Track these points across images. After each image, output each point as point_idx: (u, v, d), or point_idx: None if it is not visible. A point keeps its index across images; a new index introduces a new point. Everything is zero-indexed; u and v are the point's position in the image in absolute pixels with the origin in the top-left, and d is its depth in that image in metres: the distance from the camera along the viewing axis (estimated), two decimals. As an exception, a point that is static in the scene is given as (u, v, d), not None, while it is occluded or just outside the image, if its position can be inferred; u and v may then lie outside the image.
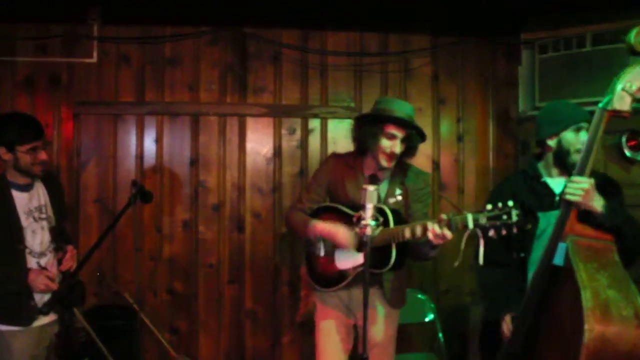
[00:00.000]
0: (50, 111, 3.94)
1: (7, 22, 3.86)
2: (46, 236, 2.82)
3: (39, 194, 2.85)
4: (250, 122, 4.06)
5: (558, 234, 2.35)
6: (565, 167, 2.56)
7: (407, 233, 2.52)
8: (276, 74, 4.09)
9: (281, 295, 4.05)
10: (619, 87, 2.30)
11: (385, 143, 2.72)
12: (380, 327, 2.88)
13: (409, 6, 3.71)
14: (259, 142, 4.07)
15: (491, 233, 2.28)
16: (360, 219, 2.18)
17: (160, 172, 3.99)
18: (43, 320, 2.73)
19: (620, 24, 3.48)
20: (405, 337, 3.15)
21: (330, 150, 4.06)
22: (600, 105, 2.35)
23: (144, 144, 3.99)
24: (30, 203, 2.79)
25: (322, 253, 2.86)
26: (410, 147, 2.81)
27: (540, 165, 2.68)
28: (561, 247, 2.34)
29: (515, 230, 2.26)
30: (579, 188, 2.30)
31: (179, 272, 4.00)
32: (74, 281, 2.54)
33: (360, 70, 4.14)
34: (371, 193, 2.16)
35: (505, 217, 2.25)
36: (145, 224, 3.96)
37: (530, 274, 2.53)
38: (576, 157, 2.49)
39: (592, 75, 3.67)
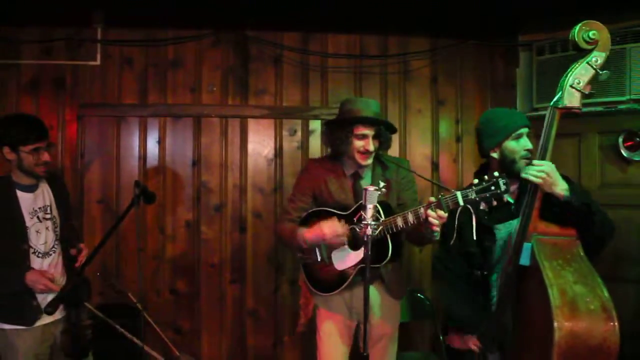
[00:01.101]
0: (54, 113, 3.98)
1: (12, 25, 3.91)
2: (50, 236, 2.86)
3: (44, 195, 2.89)
4: (252, 124, 4.11)
5: (523, 230, 2.35)
6: (514, 176, 2.51)
7: (400, 222, 2.55)
8: (277, 76, 4.13)
9: (282, 294, 4.09)
10: (567, 84, 2.31)
11: (358, 143, 2.77)
12: (384, 320, 2.92)
13: (408, 9, 3.74)
14: (261, 143, 4.11)
15: (482, 206, 2.31)
16: (361, 219, 2.22)
17: (162, 173, 4.03)
18: (46, 319, 2.77)
19: (615, 26, 3.51)
20: (405, 336, 3.18)
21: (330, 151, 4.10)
22: (550, 104, 2.35)
23: (146, 145, 4.04)
24: (35, 203, 2.83)
25: (319, 258, 2.87)
26: (383, 141, 2.85)
27: None
28: (526, 247, 2.33)
29: (504, 199, 2.28)
30: (540, 170, 2.30)
31: (181, 271, 4.04)
32: (78, 280, 2.56)
33: (360, 72, 4.18)
34: (372, 193, 2.19)
35: (493, 187, 2.28)
36: (148, 224, 4.00)
37: (495, 284, 2.55)
38: (522, 164, 2.49)
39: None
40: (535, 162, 2.34)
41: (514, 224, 2.45)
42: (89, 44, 3.99)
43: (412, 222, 2.52)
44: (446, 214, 2.40)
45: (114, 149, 4.01)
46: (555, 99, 2.34)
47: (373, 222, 2.18)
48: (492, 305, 2.53)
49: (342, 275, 2.82)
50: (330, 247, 2.81)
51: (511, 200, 2.56)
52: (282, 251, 4.07)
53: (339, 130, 2.81)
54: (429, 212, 2.41)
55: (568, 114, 2.33)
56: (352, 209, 2.78)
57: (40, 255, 2.81)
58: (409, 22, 4.05)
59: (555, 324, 2.09)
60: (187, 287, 4.04)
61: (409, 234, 2.75)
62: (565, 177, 2.42)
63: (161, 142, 4.04)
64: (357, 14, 3.88)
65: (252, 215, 4.09)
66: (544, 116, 2.37)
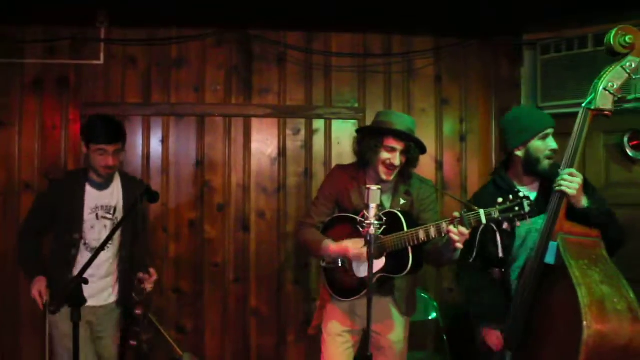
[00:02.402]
0: (58, 112, 3.99)
1: (16, 24, 3.92)
2: (104, 235, 2.96)
3: (113, 196, 3.04)
4: (255, 123, 4.10)
5: (549, 231, 2.37)
6: (536, 174, 2.56)
7: (422, 234, 2.53)
8: (281, 75, 4.13)
9: (286, 294, 4.09)
10: (601, 86, 2.34)
11: (384, 155, 2.76)
12: (394, 334, 2.91)
13: (412, 8, 3.74)
14: (264, 142, 4.11)
15: (505, 226, 2.32)
16: (364, 218, 2.22)
17: (166, 172, 4.03)
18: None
19: (619, 25, 3.50)
20: (409, 335, 3.19)
21: (334, 150, 4.11)
22: (583, 104, 2.38)
23: (150, 144, 4.04)
24: (99, 201, 2.99)
25: (340, 264, 2.87)
26: (410, 158, 2.83)
27: (510, 175, 2.69)
28: (552, 245, 2.36)
29: (528, 220, 2.29)
30: (575, 182, 2.33)
31: (185, 271, 4.04)
32: (81, 280, 2.56)
33: (364, 71, 4.17)
34: (374, 192, 2.20)
35: (517, 208, 2.28)
36: (151, 223, 4.00)
37: (514, 284, 2.56)
38: (546, 163, 2.52)
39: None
40: (570, 171, 2.36)
41: (536, 222, 2.46)
42: (92, 43, 3.99)
43: (433, 236, 2.51)
44: (468, 232, 2.38)
45: (117, 148, 4.01)
46: (587, 100, 2.37)
47: (376, 222, 2.19)
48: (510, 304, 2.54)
49: (362, 282, 2.79)
50: None
51: (532, 198, 2.56)
52: (286, 251, 4.08)
53: (369, 138, 2.80)
54: (451, 227, 2.39)
55: (598, 115, 2.37)
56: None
57: (90, 249, 2.94)
58: (413, 21, 4.04)
59: (584, 323, 2.12)
60: (190, 287, 4.04)
61: (428, 253, 2.72)
62: (585, 181, 2.44)
63: (164, 141, 4.04)
64: (360, 13, 3.87)
65: (255, 215, 4.09)
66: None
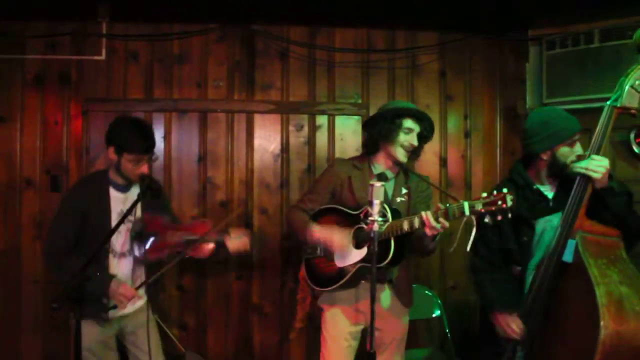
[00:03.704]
0: (59, 108, 3.96)
1: (17, 20, 3.89)
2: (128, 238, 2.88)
3: (133, 198, 2.86)
4: (258, 119, 4.08)
5: (569, 228, 2.35)
6: (561, 177, 2.55)
7: (406, 225, 2.56)
8: (284, 71, 4.10)
9: (289, 290, 4.06)
10: (627, 84, 2.32)
11: (403, 137, 2.82)
12: (393, 326, 2.90)
13: (416, 3, 3.71)
14: (267, 138, 4.08)
15: (487, 219, 2.33)
16: (367, 215, 2.20)
17: (168, 168, 4.00)
18: (114, 313, 2.83)
19: (628, 20, 3.47)
20: (412, 332, 3.17)
21: (337, 146, 4.08)
22: (608, 102, 2.36)
23: (152, 140, 4.01)
24: (124, 204, 2.86)
25: (321, 253, 2.89)
26: (420, 145, 2.91)
27: (530, 173, 2.66)
28: (570, 243, 2.34)
29: (509, 215, 2.30)
30: (601, 165, 2.31)
31: (187, 268, 4.02)
32: (83, 277, 2.54)
33: (367, 66, 4.14)
34: (378, 189, 2.19)
35: (500, 202, 2.29)
36: (153, 220, 3.98)
37: (529, 281, 2.54)
38: (574, 166, 2.48)
39: (600, 71, 3.66)
40: (594, 156, 2.35)
41: (552, 220, 2.45)
42: (94, 38, 3.96)
43: (417, 227, 2.52)
44: (447, 224, 2.43)
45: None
46: (613, 97, 2.36)
47: (380, 219, 2.17)
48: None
49: (341, 271, 2.82)
50: None
51: (549, 196, 2.56)
52: (289, 248, 4.05)
53: (384, 122, 2.84)
54: (429, 217, 2.44)
55: (623, 113, 2.36)
56: (362, 208, 2.76)
57: (116, 255, 2.85)
58: (417, 16, 4.01)
59: (602, 323, 2.11)
60: (193, 284, 4.02)
61: (412, 242, 2.75)
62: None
63: (167, 137, 4.02)
64: (364, 8, 3.84)
65: (258, 211, 4.06)
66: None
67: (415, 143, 2.84)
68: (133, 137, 2.76)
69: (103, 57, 3.98)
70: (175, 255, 2.80)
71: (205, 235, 2.82)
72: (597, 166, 2.33)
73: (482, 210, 2.32)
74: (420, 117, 2.87)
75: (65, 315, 2.80)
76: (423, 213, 2.46)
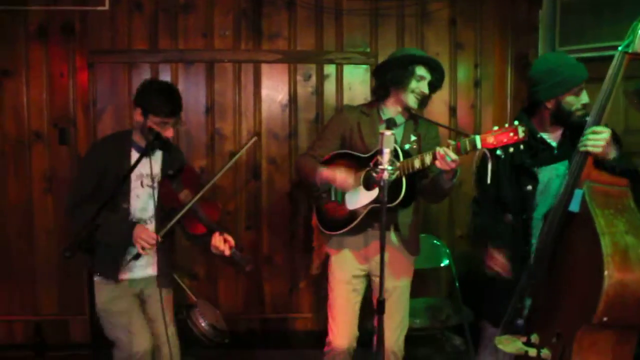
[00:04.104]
0: (64, 61, 3.93)
1: (19, -30, 3.81)
2: (150, 205, 2.85)
3: (156, 163, 2.87)
4: (265, 69, 4.02)
5: (574, 182, 2.33)
6: (566, 125, 2.51)
7: (417, 163, 2.56)
8: (291, 20, 4.02)
9: (298, 240, 4.10)
10: None
11: (414, 84, 2.80)
12: (397, 273, 2.92)
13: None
14: (274, 88, 4.04)
15: (499, 151, 2.31)
16: (377, 163, 2.18)
17: (175, 119, 3.98)
18: (131, 275, 2.86)
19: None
20: (420, 282, 3.20)
21: (346, 96, 4.04)
22: (620, 48, 2.29)
23: (158, 92, 3.98)
24: (144, 168, 2.82)
25: (333, 197, 2.90)
26: (430, 93, 2.88)
27: (534, 122, 2.61)
28: (577, 193, 2.33)
29: (521, 146, 2.28)
30: (600, 139, 2.27)
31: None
32: (93, 226, 2.56)
33: (376, 15, 4.05)
34: (388, 137, 2.16)
35: (512, 134, 2.27)
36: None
37: (535, 231, 2.53)
38: (578, 116, 2.46)
39: (616, 18, 3.56)
40: (594, 129, 2.29)
41: (558, 168, 2.43)
42: (97, -13, 3.89)
43: (428, 164, 2.52)
44: (457, 157, 2.40)
45: (125, 96, 3.95)
46: (625, 43, 2.28)
47: (390, 167, 2.15)
48: (531, 252, 2.52)
49: (352, 214, 2.82)
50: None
51: (554, 144, 2.53)
52: (298, 197, 4.06)
53: (397, 68, 2.82)
54: (442, 151, 2.41)
55: (636, 59, 2.28)
56: (373, 151, 2.75)
57: (134, 219, 2.83)
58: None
59: (606, 272, 2.10)
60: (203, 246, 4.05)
61: (425, 187, 2.76)
62: (615, 135, 2.38)
63: (173, 88, 3.98)
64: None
65: (266, 162, 4.06)
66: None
67: (426, 91, 2.83)
68: (159, 100, 2.74)
69: (106, 7, 3.91)
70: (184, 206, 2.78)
71: (211, 223, 2.80)
72: (596, 140, 2.28)
73: (494, 143, 2.31)
74: (434, 66, 2.86)
75: (78, 266, 2.82)
76: (437, 148, 2.45)
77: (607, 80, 2.31)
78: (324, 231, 2.96)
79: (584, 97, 2.48)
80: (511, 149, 2.29)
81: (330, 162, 2.91)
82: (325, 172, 2.81)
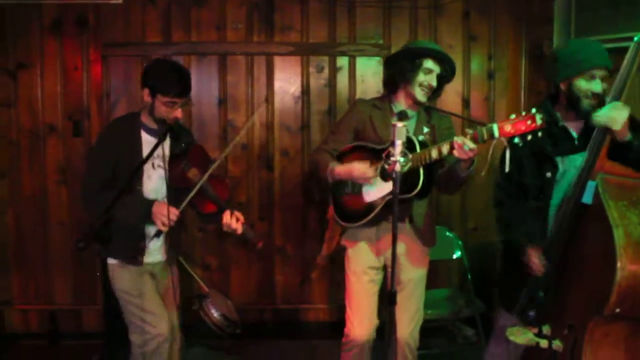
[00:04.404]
0: (78, 54, 3.96)
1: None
2: (161, 186, 2.81)
3: (166, 144, 2.81)
4: (278, 61, 4.03)
5: (589, 169, 2.32)
6: (577, 112, 2.46)
7: (434, 153, 2.54)
8: (303, 12, 4.01)
9: (310, 231, 4.11)
10: None
11: (422, 77, 2.79)
12: (412, 265, 2.92)
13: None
14: (287, 80, 4.04)
15: (517, 140, 2.29)
16: (389, 155, 2.18)
17: (188, 111, 3.98)
18: (147, 258, 2.85)
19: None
20: (432, 273, 3.20)
21: (358, 88, 4.03)
22: (635, 38, 2.27)
23: (172, 84, 4.00)
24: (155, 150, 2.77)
25: (350, 190, 2.89)
26: (440, 85, 2.86)
27: (557, 109, 2.57)
28: (590, 185, 2.31)
29: (539, 133, 2.25)
30: (621, 116, 2.25)
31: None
32: (107, 217, 2.58)
33: (389, 6, 4.03)
34: (400, 129, 2.15)
35: (529, 122, 2.25)
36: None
37: (551, 219, 2.52)
38: (587, 103, 2.41)
39: (633, 9, 3.51)
40: (615, 104, 2.27)
41: (576, 159, 2.41)
42: (111, -19, 3.91)
43: (445, 153, 2.51)
44: (475, 145, 2.37)
45: (139, 89, 3.90)
46: None
47: (402, 159, 2.15)
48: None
49: (370, 206, 2.82)
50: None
51: (574, 135, 2.51)
52: (310, 189, 4.07)
53: (405, 61, 2.81)
54: (460, 140, 2.39)
55: None
56: (388, 143, 2.74)
57: None
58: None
59: (619, 264, 2.10)
60: (215, 225, 4.07)
61: (440, 177, 2.74)
62: (632, 118, 2.34)
63: (186, 81, 3.99)
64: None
65: (279, 154, 4.07)
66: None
67: (434, 84, 2.81)
68: (168, 79, 2.69)
69: (120, 0, 3.93)
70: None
71: (221, 201, 2.80)
72: (615, 116, 2.25)
73: (512, 131, 2.29)
74: (441, 58, 2.83)
75: (92, 256, 2.82)
76: (455, 137, 2.44)
77: (622, 70, 2.29)
78: (341, 223, 2.95)
79: (596, 86, 2.41)
80: (529, 137, 2.26)
81: (346, 154, 2.91)
82: (339, 169, 2.81)
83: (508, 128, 2.29)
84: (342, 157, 2.92)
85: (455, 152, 2.42)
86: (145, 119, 2.83)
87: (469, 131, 2.41)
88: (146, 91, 2.73)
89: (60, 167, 3.99)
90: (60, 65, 3.95)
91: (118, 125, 2.93)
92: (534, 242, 2.51)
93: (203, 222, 3.00)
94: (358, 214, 2.86)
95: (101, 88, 3.97)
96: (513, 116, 2.30)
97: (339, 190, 2.94)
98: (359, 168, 2.74)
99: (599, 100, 2.41)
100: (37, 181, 3.99)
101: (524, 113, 2.27)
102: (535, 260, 2.47)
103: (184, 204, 2.70)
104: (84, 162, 3.93)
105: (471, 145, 2.38)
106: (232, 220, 2.72)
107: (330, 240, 3.12)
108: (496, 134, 2.33)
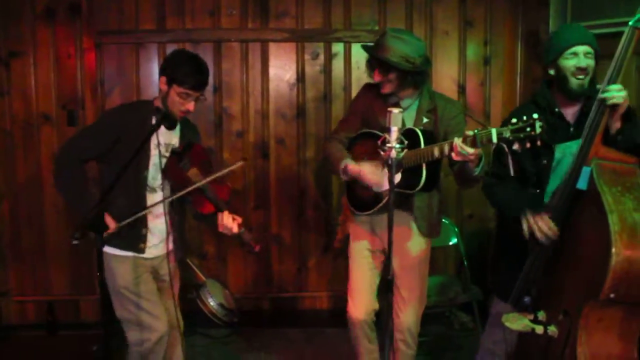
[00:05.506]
0: (71, 42, 3.92)
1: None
2: (156, 174, 2.80)
3: (173, 134, 2.83)
4: (273, 48, 4.01)
5: (584, 154, 2.31)
6: (568, 94, 2.44)
7: (436, 152, 2.53)
8: (298, -3, 3.99)
9: (306, 220, 4.12)
10: None
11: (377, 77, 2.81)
12: (409, 250, 2.92)
13: None
14: (282, 67, 4.02)
15: (515, 146, 2.26)
16: (385, 141, 2.17)
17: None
18: (149, 252, 2.82)
19: None
20: (430, 260, 3.21)
21: (354, 74, 4.02)
22: (630, 23, 2.25)
23: (166, 72, 3.97)
24: (163, 137, 2.77)
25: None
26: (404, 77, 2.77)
27: (552, 94, 2.56)
28: (585, 170, 2.30)
29: (539, 142, 2.22)
30: (621, 90, 2.24)
31: (205, 199, 4.06)
32: (101, 208, 2.57)
33: (384, -9, 4.01)
34: (395, 116, 2.14)
35: (529, 129, 2.22)
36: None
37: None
38: (575, 83, 2.40)
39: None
40: (612, 86, 2.24)
41: (571, 147, 2.40)
42: (103, -33, 3.87)
43: (447, 154, 2.49)
44: (473, 151, 2.33)
45: (133, 76, 3.96)
46: (635, 18, 2.22)
47: (397, 145, 2.14)
48: None
49: (377, 197, 2.82)
50: None
51: (571, 122, 2.50)
52: (306, 177, 4.07)
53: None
54: (457, 142, 2.36)
55: None
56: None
57: (148, 189, 2.79)
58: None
59: (613, 250, 2.08)
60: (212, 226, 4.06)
61: (454, 172, 2.75)
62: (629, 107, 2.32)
63: (181, 68, 3.97)
64: None
65: (274, 141, 4.06)
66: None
67: (386, 89, 2.79)
68: (186, 70, 2.66)
69: (113, -14, 3.90)
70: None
71: (220, 203, 2.78)
72: (618, 91, 2.23)
73: (510, 138, 2.25)
74: (366, 51, 2.84)
75: (89, 246, 2.78)
76: (456, 139, 2.42)
77: (616, 55, 2.27)
78: (352, 209, 2.97)
79: (579, 61, 2.39)
80: (528, 144, 2.21)
81: (355, 141, 2.93)
82: (351, 167, 2.80)
83: (507, 134, 2.25)
84: (352, 145, 2.94)
85: (453, 155, 2.39)
86: (159, 106, 2.77)
87: (469, 133, 2.37)
88: (163, 79, 2.70)
89: (54, 157, 3.96)
90: (53, 54, 3.91)
91: (129, 107, 2.90)
92: (538, 210, 2.46)
93: (199, 222, 2.98)
94: (367, 203, 2.88)
95: (95, 76, 3.94)
96: (514, 120, 2.24)
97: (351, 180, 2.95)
98: (369, 175, 2.73)
99: (590, 79, 2.40)
100: (31, 171, 3.97)
101: (524, 118, 2.22)
102: (544, 225, 2.41)
103: (170, 199, 2.69)
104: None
105: (469, 150, 2.34)
106: (229, 221, 2.70)
107: (343, 223, 3.16)
108: (494, 139, 2.28)
